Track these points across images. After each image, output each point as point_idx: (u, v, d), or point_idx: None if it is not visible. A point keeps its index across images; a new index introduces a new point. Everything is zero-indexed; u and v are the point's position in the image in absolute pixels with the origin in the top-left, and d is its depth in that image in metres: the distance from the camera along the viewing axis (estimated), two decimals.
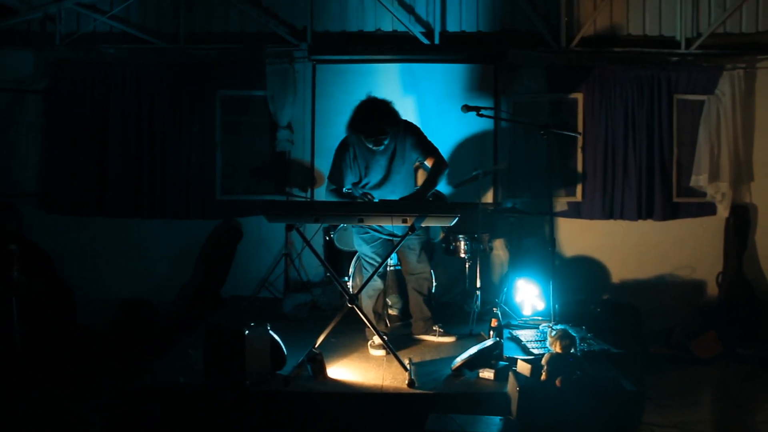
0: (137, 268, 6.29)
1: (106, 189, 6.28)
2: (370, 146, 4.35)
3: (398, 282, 5.18)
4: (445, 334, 4.70)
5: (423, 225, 4.08)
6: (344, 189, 4.48)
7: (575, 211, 6.32)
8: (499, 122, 6.11)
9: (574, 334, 3.70)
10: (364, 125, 4.29)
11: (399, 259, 4.81)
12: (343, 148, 4.48)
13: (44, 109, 6.32)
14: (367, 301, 4.58)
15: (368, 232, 4.51)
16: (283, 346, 3.90)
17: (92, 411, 3.97)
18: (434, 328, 4.72)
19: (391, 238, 4.52)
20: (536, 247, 6.11)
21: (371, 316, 4.48)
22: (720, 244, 6.31)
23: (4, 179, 6.21)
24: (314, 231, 5.89)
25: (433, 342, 4.66)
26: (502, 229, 6.14)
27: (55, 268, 5.05)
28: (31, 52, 6.27)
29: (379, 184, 4.49)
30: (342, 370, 4.00)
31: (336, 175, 4.46)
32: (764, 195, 6.30)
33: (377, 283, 4.56)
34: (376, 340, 4.29)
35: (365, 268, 4.64)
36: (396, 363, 3.89)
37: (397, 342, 4.45)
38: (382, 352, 4.29)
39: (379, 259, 4.44)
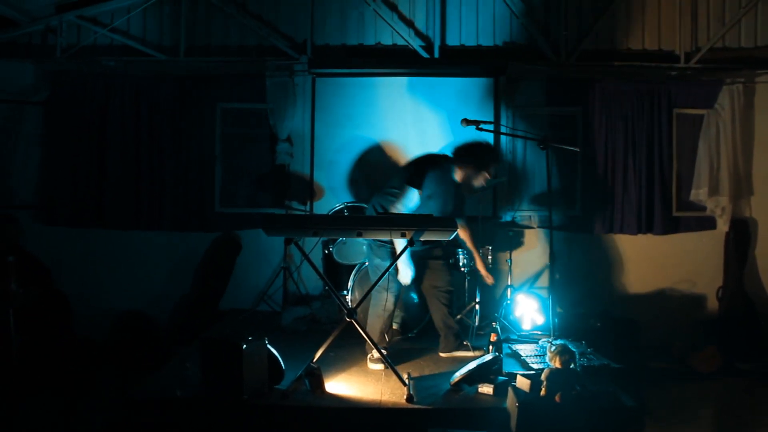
0: (136, 279, 6.26)
1: (105, 200, 6.28)
2: (483, 182, 4.47)
3: None
4: (473, 348, 4.62)
5: (422, 239, 4.06)
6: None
7: (575, 225, 6.31)
8: (498, 135, 6.12)
9: (574, 349, 3.68)
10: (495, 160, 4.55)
11: (424, 275, 4.63)
12: (449, 177, 4.39)
13: (44, 120, 6.32)
14: (375, 320, 4.47)
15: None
16: (281, 361, 3.87)
17: (92, 414, 3.97)
18: (465, 343, 4.64)
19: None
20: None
21: (377, 336, 4.41)
22: (720, 258, 6.30)
23: (3, 190, 6.20)
24: (313, 244, 5.87)
25: (468, 357, 4.48)
26: (501, 243, 6.14)
27: (52, 279, 5.05)
28: (32, 63, 6.28)
29: None
30: (340, 385, 3.97)
31: (448, 207, 4.33)
32: (764, 209, 6.30)
33: (392, 304, 4.45)
34: (375, 353, 4.27)
35: (390, 291, 4.40)
36: (395, 377, 3.87)
37: (396, 356, 4.43)
38: (380, 367, 4.27)
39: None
